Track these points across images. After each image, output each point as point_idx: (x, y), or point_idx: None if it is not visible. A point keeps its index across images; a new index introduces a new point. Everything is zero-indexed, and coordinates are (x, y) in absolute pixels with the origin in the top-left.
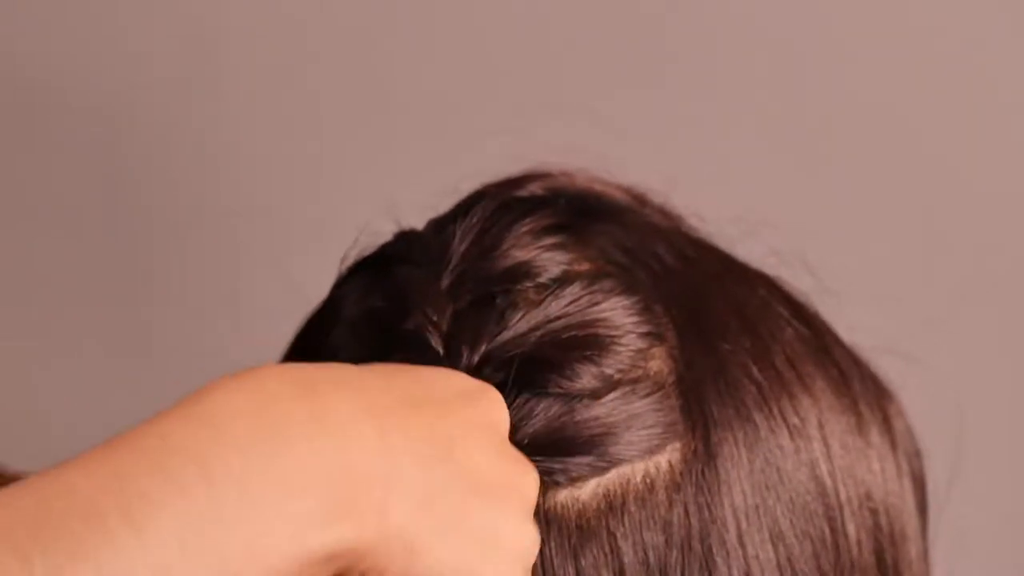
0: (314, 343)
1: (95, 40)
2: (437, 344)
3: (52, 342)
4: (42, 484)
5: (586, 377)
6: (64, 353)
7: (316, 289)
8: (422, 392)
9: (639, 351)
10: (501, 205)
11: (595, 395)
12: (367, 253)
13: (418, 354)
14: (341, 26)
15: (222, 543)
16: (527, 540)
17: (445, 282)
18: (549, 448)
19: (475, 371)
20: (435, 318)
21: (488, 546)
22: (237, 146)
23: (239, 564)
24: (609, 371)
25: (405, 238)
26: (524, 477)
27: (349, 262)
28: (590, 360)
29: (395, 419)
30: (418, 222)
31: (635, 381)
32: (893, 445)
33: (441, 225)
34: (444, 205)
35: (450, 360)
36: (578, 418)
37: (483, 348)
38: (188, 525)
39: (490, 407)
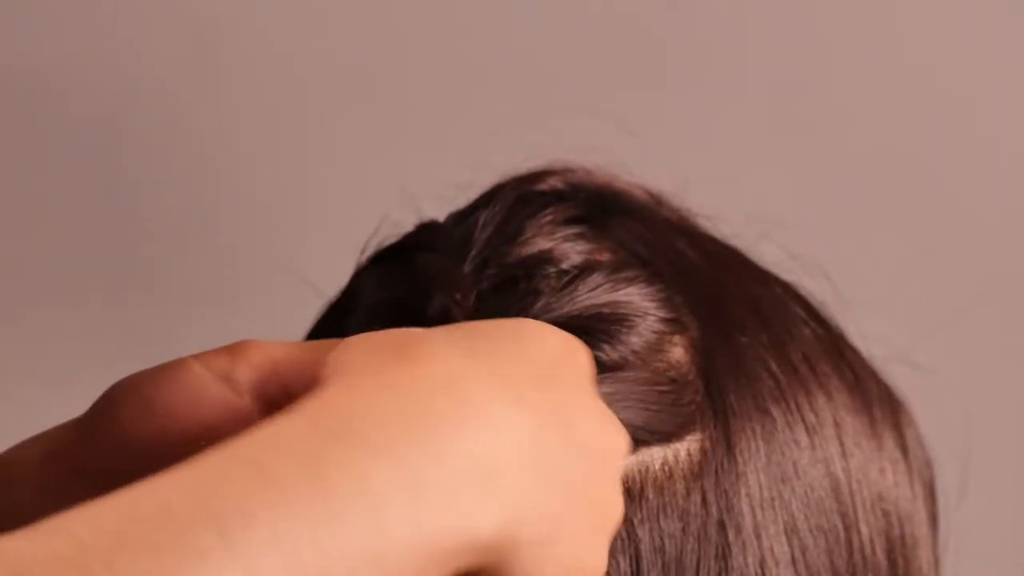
0: (332, 330)
1: (95, 40)
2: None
3: (56, 343)
4: (126, 498)
5: (610, 352)
6: (67, 354)
7: (329, 285)
8: (534, 357)
9: (661, 335)
10: (522, 197)
11: (619, 370)
12: (387, 243)
13: None
14: (358, 20)
15: (336, 548)
16: (620, 508)
17: (468, 267)
18: None
19: None
20: (459, 298)
21: (605, 517)
22: (250, 143)
23: (357, 568)
24: (634, 348)
25: (426, 228)
26: (619, 437)
27: (369, 252)
28: (615, 336)
29: (525, 394)
30: (436, 216)
31: (656, 367)
32: (905, 451)
33: (462, 216)
34: (462, 199)
35: None
36: (600, 393)
37: None
38: (293, 532)
39: (586, 362)
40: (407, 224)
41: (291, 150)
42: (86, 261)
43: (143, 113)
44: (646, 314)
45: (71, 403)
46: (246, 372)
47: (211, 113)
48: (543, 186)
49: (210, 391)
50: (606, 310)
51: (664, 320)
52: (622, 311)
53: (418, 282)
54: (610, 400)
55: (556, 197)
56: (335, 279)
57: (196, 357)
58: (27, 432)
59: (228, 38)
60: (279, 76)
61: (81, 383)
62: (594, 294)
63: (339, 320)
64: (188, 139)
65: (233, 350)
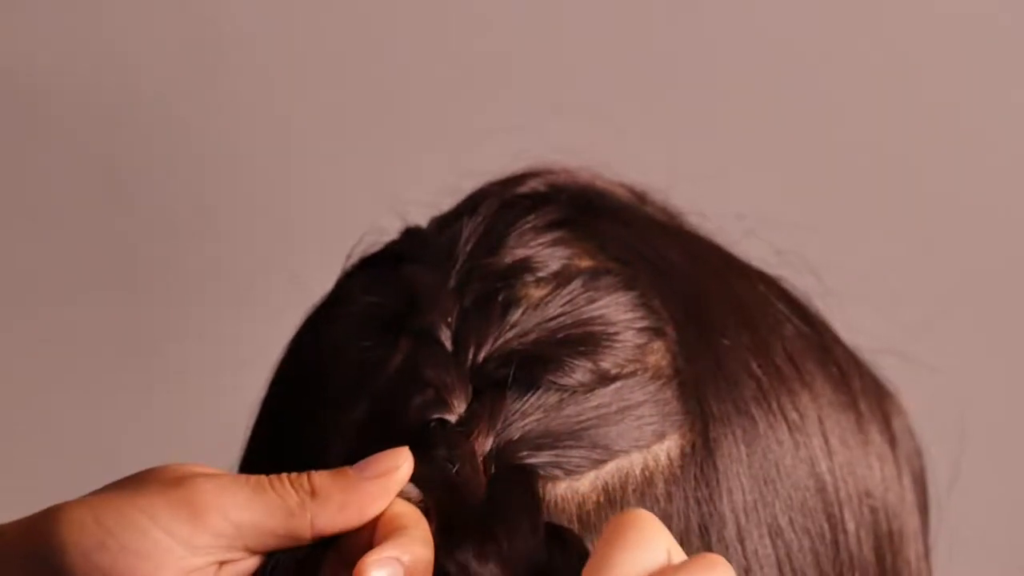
0: (316, 335)
1: (95, 40)
2: (447, 340)
3: (56, 344)
4: None
5: (579, 372)
6: (67, 354)
7: (319, 287)
8: None
9: (637, 346)
10: (504, 203)
11: (588, 389)
12: (372, 250)
13: (427, 348)
14: (345, 25)
15: None
16: None
17: (453, 281)
18: (543, 440)
19: (480, 368)
20: (449, 318)
21: None
22: (240, 145)
23: None
24: (605, 365)
25: (411, 236)
26: None
27: (355, 259)
28: (584, 356)
29: None
30: (420, 221)
31: (632, 375)
32: (893, 444)
33: (446, 223)
34: (446, 204)
35: (457, 356)
36: (570, 410)
37: (487, 347)
38: None
39: None
40: (392, 229)
41: (287, 152)
42: (86, 261)
43: (143, 113)
44: (621, 329)
45: (71, 403)
46: (209, 540)
47: (206, 117)
48: (525, 189)
49: (172, 557)
50: (576, 331)
51: (640, 331)
52: (593, 329)
53: (404, 294)
54: (585, 418)
55: (538, 200)
56: (328, 282)
57: (151, 518)
58: (27, 431)
59: (224, 42)
60: (272, 81)
61: (81, 383)
62: (567, 309)
63: (324, 325)
64: (186, 141)
65: (194, 513)
